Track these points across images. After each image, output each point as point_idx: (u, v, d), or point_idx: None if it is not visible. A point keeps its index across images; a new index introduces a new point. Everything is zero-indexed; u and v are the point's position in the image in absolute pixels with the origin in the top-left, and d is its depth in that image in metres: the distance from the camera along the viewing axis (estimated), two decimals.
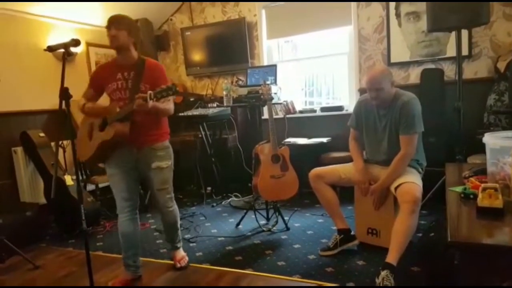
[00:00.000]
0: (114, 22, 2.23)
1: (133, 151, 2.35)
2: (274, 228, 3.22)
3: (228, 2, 4.75)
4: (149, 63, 2.34)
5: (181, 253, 2.69)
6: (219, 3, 4.81)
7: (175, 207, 2.56)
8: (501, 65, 3.44)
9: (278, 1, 4.46)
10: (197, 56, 4.98)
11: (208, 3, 4.87)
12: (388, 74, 2.47)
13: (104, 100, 2.44)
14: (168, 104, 2.32)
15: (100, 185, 3.98)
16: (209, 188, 4.37)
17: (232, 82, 4.70)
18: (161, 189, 2.44)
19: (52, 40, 3.99)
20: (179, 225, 2.66)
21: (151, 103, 2.08)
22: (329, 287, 2.21)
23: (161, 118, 2.41)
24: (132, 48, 2.32)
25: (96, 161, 2.48)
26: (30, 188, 3.76)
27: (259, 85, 3.61)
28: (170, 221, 2.57)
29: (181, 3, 5.03)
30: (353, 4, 4.09)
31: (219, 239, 3.11)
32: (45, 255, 3.03)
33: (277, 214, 3.32)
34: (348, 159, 2.83)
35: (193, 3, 4.95)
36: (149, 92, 2.05)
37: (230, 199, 4.19)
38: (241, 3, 4.68)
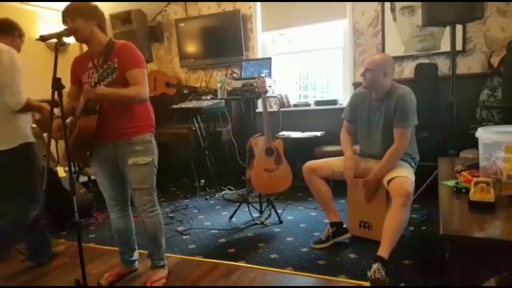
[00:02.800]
0: (66, 14, 2.00)
1: (108, 147, 2.11)
2: (267, 221, 3.23)
3: None
4: (118, 45, 2.07)
5: (159, 274, 2.27)
6: None
7: (156, 214, 2.22)
8: (495, 61, 3.46)
9: None
10: (191, 48, 4.94)
11: None
12: (387, 64, 2.47)
13: None
14: (131, 89, 2.00)
15: (93, 177, 3.96)
16: (202, 181, 4.37)
17: (226, 75, 4.67)
18: (138, 188, 2.14)
19: (44, 30, 3.92)
20: (162, 240, 2.28)
21: (100, 87, 1.84)
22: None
23: (136, 108, 2.10)
24: (97, 33, 2.07)
25: (76, 159, 2.32)
26: None
27: (254, 78, 3.60)
28: (149, 230, 2.22)
29: None
30: None
31: (212, 231, 3.11)
32: None
33: (270, 207, 3.33)
34: (342, 153, 2.83)
35: None
36: (94, 75, 1.83)
37: (224, 192, 4.19)
38: None
